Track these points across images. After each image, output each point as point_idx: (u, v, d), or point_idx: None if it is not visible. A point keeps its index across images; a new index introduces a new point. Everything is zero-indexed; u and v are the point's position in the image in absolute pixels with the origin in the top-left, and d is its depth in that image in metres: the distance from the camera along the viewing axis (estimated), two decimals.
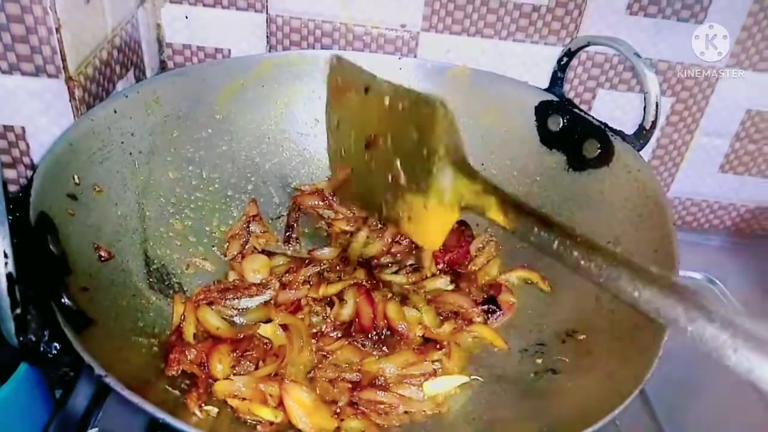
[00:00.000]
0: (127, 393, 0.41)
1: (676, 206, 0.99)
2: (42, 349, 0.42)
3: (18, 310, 0.41)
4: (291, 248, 0.75)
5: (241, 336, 0.59)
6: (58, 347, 0.43)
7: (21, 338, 0.42)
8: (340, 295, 0.67)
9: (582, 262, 0.39)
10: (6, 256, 0.40)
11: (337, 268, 0.71)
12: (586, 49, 0.80)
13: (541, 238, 0.42)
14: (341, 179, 0.59)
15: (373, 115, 0.54)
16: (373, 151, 0.54)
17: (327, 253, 0.73)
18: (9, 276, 0.40)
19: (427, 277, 0.72)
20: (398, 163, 0.52)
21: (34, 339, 0.42)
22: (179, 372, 0.54)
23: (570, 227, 0.42)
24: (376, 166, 0.54)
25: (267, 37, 0.86)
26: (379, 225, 0.77)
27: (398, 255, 0.75)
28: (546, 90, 0.77)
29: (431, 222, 0.51)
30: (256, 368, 0.57)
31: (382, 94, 0.53)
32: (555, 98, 0.76)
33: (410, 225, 0.53)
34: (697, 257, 0.93)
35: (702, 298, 0.34)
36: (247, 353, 0.57)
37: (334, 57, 0.61)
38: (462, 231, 0.77)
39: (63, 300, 0.46)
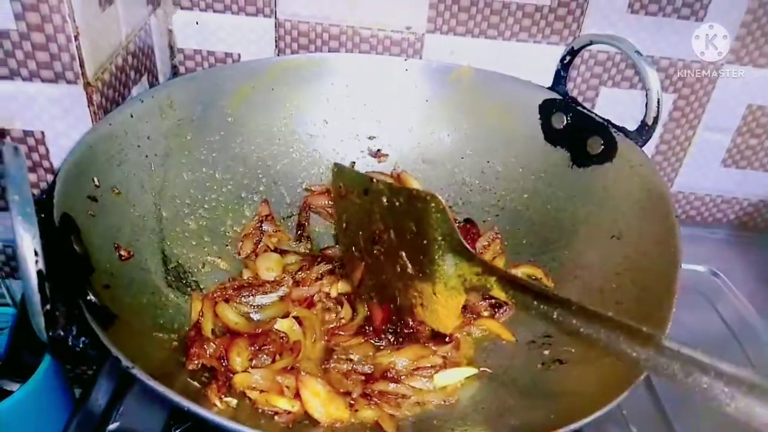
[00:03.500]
0: (153, 383, 0.42)
1: (680, 200, 1.01)
2: (70, 343, 0.44)
3: (47, 307, 0.43)
4: (303, 246, 0.77)
5: (259, 331, 0.61)
6: (86, 341, 0.45)
7: (50, 333, 0.43)
8: (351, 301, 0.68)
9: (581, 329, 0.43)
10: (36, 254, 0.42)
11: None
12: (589, 47, 0.81)
13: (541, 310, 0.46)
14: (358, 277, 0.64)
15: (376, 214, 0.58)
16: (381, 246, 0.59)
17: (339, 251, 0.75)
18: (39, 273, 0.42)
19: None
20: (404, 254, 0.56)
21: (62, 334, 0.44)
22: (199, 366, 0.56)
23: (566, 299, 0.45)
24: (385, 258, 0.59)
25: (276, 41, 0.88)
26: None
27: None
28: (549, 88, 0.79)
29: (441, 306, 0.55)
30: (273, 361, 0.59)
31: (380, 194, 0.57)
32: (558, 96, 0.77)
33: (423, 311, 0.57)
34: (700, 250, 0.94)
35: (695, 352, 0.36)
36: (264, 347, 0.59)
37: (334, 165, 0.66)
38: (468, 229, 0.79)
39: (88, 296, 0.48)
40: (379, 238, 0.59)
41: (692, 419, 0.69)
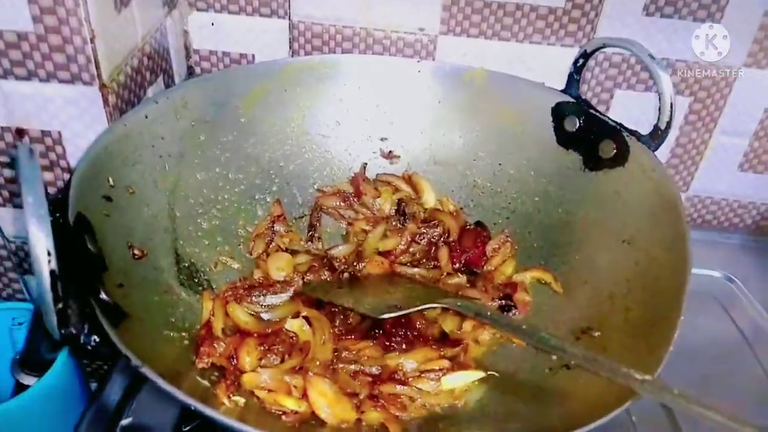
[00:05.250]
0: (160, 382, 0.43)
1: (696, 205, 1.00)
2: (82, 341, 0.45)
3: (60, 305, 0.44)
4: (314, 247, 0.78)
5: (269, 330, 0.62)
6: (97, 339, 0.46)
7: (62, 331, 0.45)
8: None
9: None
10: (49, 254, 0.43)
11: (354, 264, 0.73)
12: (603, 50, 0.81)
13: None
14: None
15: None
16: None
17: (342, 249, 0.76)
18: (52, 273, 0.43)
19: (444, 275, 0.74)
20: None
21: (74, 332, 0.45)
22: (209, 364, 0.57)
23: (561, 346, 0.55)
24: None
25: (290, 42, 0.89)
26: (400, 225, 0.79)
27: (417, 254, 0.77)
28: (562, 91, 0.78)
29: None
30: (282, 361, 0.59)
31: None
32: (571, 99, 0.77)
33: None
34: (716, 255, 0.93)
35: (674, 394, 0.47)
36: (274, 347, 0.60)
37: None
38: (478, 232, 0.79)
39: (100, 295, 0.49)
40: None
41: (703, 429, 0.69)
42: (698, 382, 0.75)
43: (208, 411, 0.43)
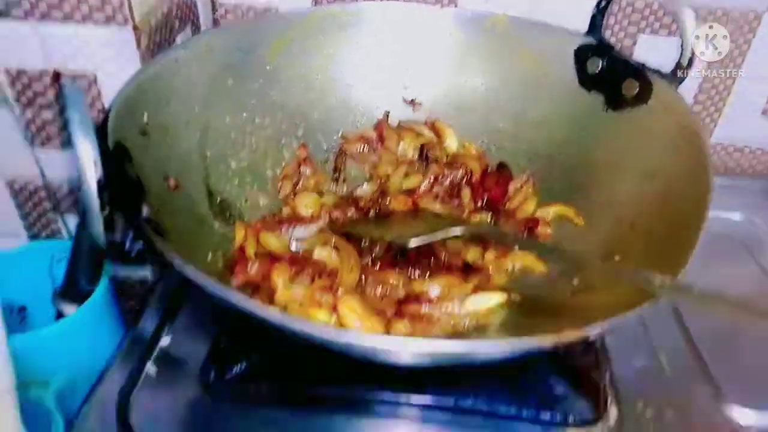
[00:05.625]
0: (203, 280, 0.45)
1: (719, 152, 0.99)
2: (127, 247, 0.48)
3: (106, 211, 0.46)
4: (339, 188, 0.80)
5: (299, 255, 0.64)
6: (141, 248, 0.48)
7: (108, 237, 0.47)
8: None
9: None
10: (95, 164, 0.46)
11: (378, 200, 0.75)
12: None
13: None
14: None
15: None
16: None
17: (366, 189, 0.78)
18: (98, 182, 0.46)
19: (466, 213, 0.75)
20: None
21: (120, 238, 0.48)
22: (244, 283, 0.59)
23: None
24: None
25: None
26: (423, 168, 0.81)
27: (439, 195, 0.79)
28: (585, 34, 0.79)
29: None
30: (312, 282, 0.61)
31: None
32: (593, 41, 0.77)
33: None
34: (738, 200, 0.93)
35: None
36: (305, 270, 0.62)
37: None
38: (501, 173, 0.80)
39: (143, 212, 0.51)
40: None
41: (724, 354, 0.70)
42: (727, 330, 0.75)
43: (252, 305, 0.44)
